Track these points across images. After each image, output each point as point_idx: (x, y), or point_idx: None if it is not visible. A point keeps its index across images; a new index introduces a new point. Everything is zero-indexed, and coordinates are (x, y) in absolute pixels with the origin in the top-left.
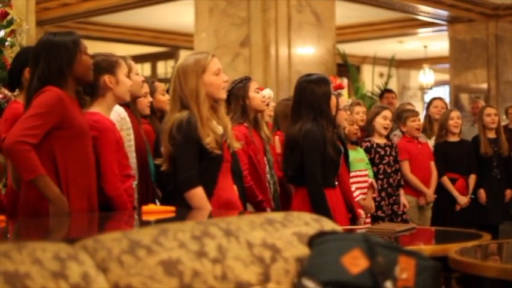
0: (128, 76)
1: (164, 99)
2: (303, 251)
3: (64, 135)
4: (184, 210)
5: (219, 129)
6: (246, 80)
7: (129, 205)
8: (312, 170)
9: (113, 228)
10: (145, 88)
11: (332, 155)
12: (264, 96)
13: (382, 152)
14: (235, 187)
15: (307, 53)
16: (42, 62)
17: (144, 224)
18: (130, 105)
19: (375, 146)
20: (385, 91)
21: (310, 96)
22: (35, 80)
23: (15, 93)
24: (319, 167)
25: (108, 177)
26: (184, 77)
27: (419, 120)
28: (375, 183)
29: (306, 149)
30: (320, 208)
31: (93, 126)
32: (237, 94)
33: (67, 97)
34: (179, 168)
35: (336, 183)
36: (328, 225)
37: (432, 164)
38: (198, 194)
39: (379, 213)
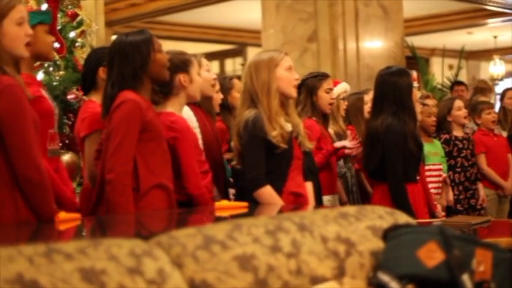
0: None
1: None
2: (378, 244)
3: (143, 138)
4: (257, 206)
5: (287, 126)
6: (321, 77)
7: (211, 202)
8: (393, 166)
9: (187, 224)
10: (217, 86)
11: (413, 149)
12: (333, 99)
13: (460, 145)
14: (310, 184)
15: (375, 46)
16: (116, 65)
17: (218, 219)
18: (200, 103)
19: (453, 138)
20: (455, 84)
21: (392, 89)
22: (110, 84)
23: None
24: (400, 162)
25: (191, 176)
26: (257, 71)
27: (494, 112)
28: (447, 179)
29: (387, 144)
30: (401, 204)
31: (171, 127)
32: (308, 88)
33: (143, 101)
34: (246, 169)
35: (418, 177)
36: (402, 218)
37: (509, 156)
38: (265, 192)
39: (458, 207)
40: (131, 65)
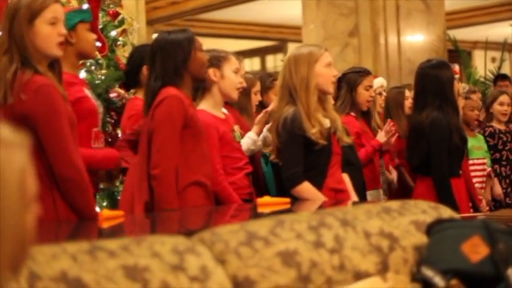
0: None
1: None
2: (421, 239)
3: (184, 134)
4: (299, 202)
5: (326, 122)
6: (362, 73)
7: (237, 197)
8: (439, 160)
9: (229, 220)
10: (257, 86)
11: (458, 143)
12: (371, 96)
13: (505, 138)
14: (346, 176)
15: (417, 40)
16: (158, 61)
17: (260, 215)
18: (234, 104)
19: (497, 131)
20: (499, 78)
21: (434, 82)
22: (153, 80)
23: (130, 92)
24: (446, 157)
25: None
26: (296, 65)
27: None
28: (492, 173)
29: (433, 139)
30: (446, 199)
31: None
32: (349, 82)
33: (185, 97)
34: (284, 166)
35: (460, 172)
36: (446, 212)
37: None
38: (304, 189)
39: (507, 200)
40: (173, 61)
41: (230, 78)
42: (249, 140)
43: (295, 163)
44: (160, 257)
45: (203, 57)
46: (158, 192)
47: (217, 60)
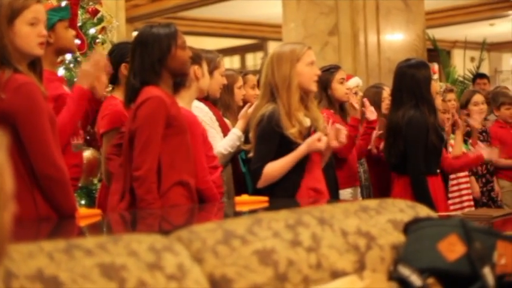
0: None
1: (253, 93)
2: (398, 238)
3: (168, 134)
4: (277, 200)
5: (306, 121)
6: (333, 69)
7: (218, 196)
8: (414, 159)
9: (207, 219)
10: (240, 81)
11: (435, 141)
12: (349, 88)
13: (481, 138)
14: None
15: (396, 39)
16: (137, 57)
17: (238, 214)
18: (215, 101)
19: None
20: (477, 77)
21: (410, 81)
22: (132, 77)
23: (108, 90)
24: (422, 155)
25: (198, 170)
26: (278, 64)
27: None
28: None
29: (409, 137)
30: (422, 196)
31: None
32: (321, 82)
33: (166, 96)
34: (252, 160)
35: (438, 170)
36: (423, 211)
37: None
38: (267, 174)
39: (483, 199)
40: (150, 57)
41: (207, 77)
42: (233, 136)
43: (261, 158)
44: (137, 256)
45: (185, 55)
46: (140, 193)
47: (198, 57)
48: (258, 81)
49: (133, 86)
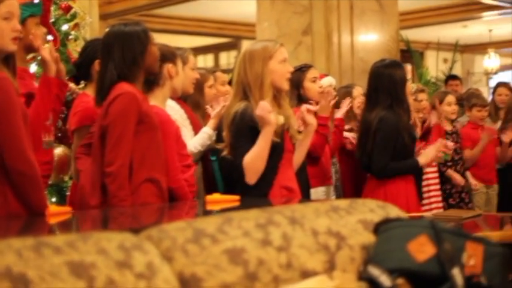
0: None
1: (224, 89)
2: (369, 238)
3: (139, 130)
4: (248, 199)
5: (280, 119)
6: (305, 68)
7: (190, 195)
8: (380, 158)
9: (178, 217)
10: (211, 80)
11: (407, 142)
12: (321, 86)
13: (450, 139)
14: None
15: (370, 39)
16: (117, 52)
17: (208, 213)
18: (186, 99)
19: (443, 132)
20: (450, 78)
21: (387, 81)
22: (111, 70)
23: (80, 86)
24: (388, 156)
25: (170, 169)
26: (251, 62)
27: (486, 111)
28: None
29: (378, 136)
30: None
31: None
32: (293, 82)
33: (139, 93)
34: (235, 157)
35: None
36: (393, 211)
37: (498, 149)
38: (248, 165)
39: (451, 201)
40: (132, 52)
41: (182, 75)
42: (204, 135)
43: (242, 154)
44: (107, 254)
45: (156, 52)
46: (112, 190)
47: (173, 56)
48: (231, 80)
49: (111, 80)
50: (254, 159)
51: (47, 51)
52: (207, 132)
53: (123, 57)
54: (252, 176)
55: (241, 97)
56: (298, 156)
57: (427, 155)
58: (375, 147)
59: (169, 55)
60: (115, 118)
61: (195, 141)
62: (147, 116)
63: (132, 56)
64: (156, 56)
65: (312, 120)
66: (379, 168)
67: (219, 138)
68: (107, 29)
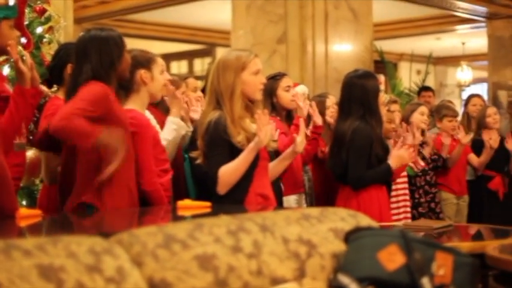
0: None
1: (194, 96)
2: (339, 246)
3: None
4: (220, 206)
5: (252, 127)
6: (278, 76)
7: (166, 200)
8: (355, 169)
9: (149, 222)
10: (183, 87)
11: (379, 153)
12: (294, 95)
13: (421, 149)
14: None
15: (344, 49)
16: (94, 55)
17: (180, 218)
18: (158, 104)
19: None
20: (423, 89)
21: (360, 92)
22: (86, 72)
23: (53, 90)
24: (364, 166)
25: (145, 172)
26: (223, 71)
27: (456, 121)
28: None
29: (352, 147)
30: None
31: (130, 123)
32: (266, 91)
33: (112, 93)
34: (209, 169)
35: None
36: (364, 220)
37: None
38: (223, 178)
39: (420, 209)
40: (109, 56)
41: (159, 80)
42: (169, 125)
43: (215, 164)
44: (76, 258)
45: (129, 58)
46: (71, 137)
47: (147, 62)
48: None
49: (85, 80)
50: (231, 173)
51: (23, 63)
52: (171, 121)
53: (101, 60)
54: (224, 188)
55: (215, 105)
56: (276, 172)
57: (398, 157)
58: (350, 159)
59: (143, 61)
60: (82, 94)
61: (162, 134)
62: (116, 116)
63: (110, 60)
64: (129, 62)
65: (300, 148)
66: (356, 178)
67: (193, 146)
68: (82, 33)
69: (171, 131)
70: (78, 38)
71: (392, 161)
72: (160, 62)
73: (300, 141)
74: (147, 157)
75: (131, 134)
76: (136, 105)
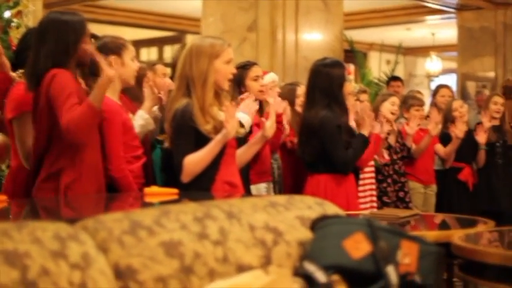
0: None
1: (162, 82)
2: (306, 234)
3: None
4: (187, 193)
5: (221, 116)
6: (248, 66)
7: (135, 186)
8: (336, 155)
9: (115, 209)
10: (150, 74)
11: (347, 141)
12: (263, 85)
13: (388, 139)
14: None
15: (314, 38)
16: (50, 39)
17: (146, 205)
18: (126, 92)
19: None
20: (392, 79)
21: (324, 80)
22: (43, 58)
23: (19, 74)
24: (342, 148)
25: (113, 158)
26: (197, 57)
27: (423, 110)
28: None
29: (324, 137)
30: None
31: None
32: (234, 80)
33: (74, 79)
34: (174, 155)
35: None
36: (331, 209)
37: (437, 146)
38: (188, 167)
39: (385, 198)
40: (65, 40)
41: (130, 66)
42: (137, 118)
43: (181, 152)
44: (41, 243)
45: (90, 45)
46: (82, 132)
47: (118, 48)
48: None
49: (45, 67)
50: (196, 163)
51: None
52: (140, 115)
53: (56, 45)
54: (188, 177)
55: (184, 91)
56: (245, 158)
57: (363, 121)
58: (328, 148)
59: (113, 47)
60: (58, 88)
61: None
62: (81, 102)
63: (65, 46)
64: (90, 49)
65: (270, 132)
66: (342, 164)
67: (163, 131)
68: (44, 15)
69: (137, 126)
70: (40, 20)
71: (361, 128)
72: (131, 48)
73: (270, 125)
74: (116, 143)
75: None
76: (108, 92)
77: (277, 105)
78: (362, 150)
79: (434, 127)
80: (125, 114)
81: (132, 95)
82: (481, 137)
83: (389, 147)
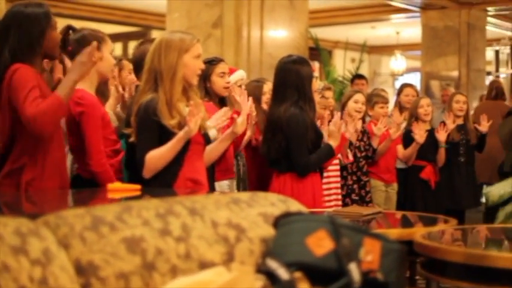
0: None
1: (129, 77)
2: (268, 231)
3: None
4: (150, 189)
5: (186, 112)
6: (215, 62)
7: (115, 181)
8: (299, 156)
9: (77, 204)
10: (115, 71)
11: (313, 138)
12: (229, 82)
13: (360, 137)
14: None
15: (279, 35)
16: (13, 34)
17: (108, 201)
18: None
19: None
20: (356, 77)
21: (294, 77)
22: (6, 54)
23: None
24: (305, 151)
25: (93, 153)
26: (166, 51)
27: (387, 108)
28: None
29: (290, 135)
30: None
31: (77, 103)
32: (200, 74)
33: (37, 74)
34: (137, 150)
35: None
36: (294, 206)
37: (399, 147)
38: (150, 163)
39: (353, 196)
40: (28, 35)
41: (108, 59)
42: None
43: (143, 148)
44: (2, 239)
45: (57, 37)
46: (49, 123)
47: (96, 40)
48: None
49: (5, 62)
50: (158, 159)
51: None
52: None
53: (19, 40)
54: (149, 173)
55: (152, 85)
56: (215, 154)
57: (332, 133)
58: (293, 148)
59: (92, 40)
60: (19, 82)
61: None
62: (44, 97)
63: (29, 39)
64: (56, 41)
65: (241, 129)
66: (303, 166)
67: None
68: (8, 9)
69: None
70: (4, 13)
71: (330, 139)
72: (110, 42)
73: (241, 122)
74: (96, 138)
75: (78, 114)
76: (84, 85)
77: (246, 105)
78: (325, 159)
79: (395, 131)
80: (103, 108)
81: (99, 91)
82: (442, 135)
83: (350, 144)
